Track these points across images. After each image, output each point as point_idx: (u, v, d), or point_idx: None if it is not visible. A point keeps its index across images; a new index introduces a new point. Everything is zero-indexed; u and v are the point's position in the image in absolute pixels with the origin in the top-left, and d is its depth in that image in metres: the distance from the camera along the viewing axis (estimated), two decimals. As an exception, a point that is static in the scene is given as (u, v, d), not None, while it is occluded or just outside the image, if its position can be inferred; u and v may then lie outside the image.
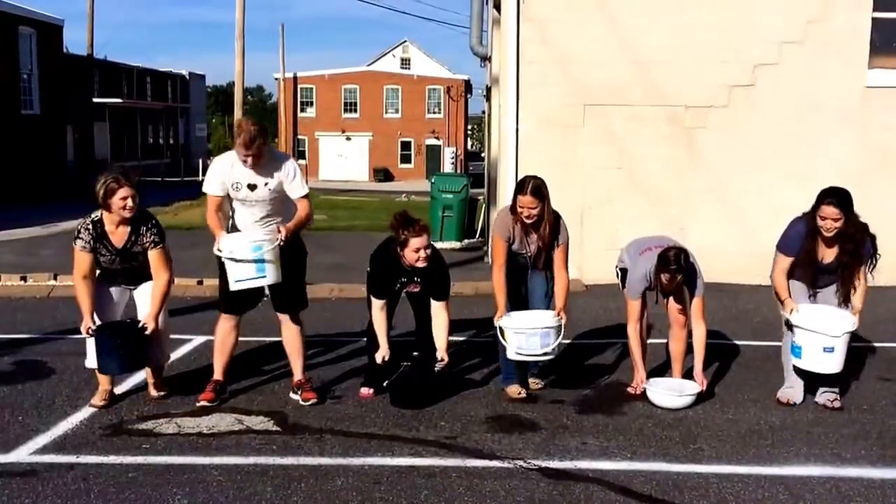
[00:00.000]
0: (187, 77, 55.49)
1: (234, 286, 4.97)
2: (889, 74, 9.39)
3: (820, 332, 4.92)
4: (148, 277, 5.06)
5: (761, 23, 9.22)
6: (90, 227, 4.93)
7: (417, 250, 4.96)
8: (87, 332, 4.87)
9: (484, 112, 13.48)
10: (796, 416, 5.02)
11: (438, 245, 14.10)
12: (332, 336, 6.91)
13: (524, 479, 4.05)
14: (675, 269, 5.02)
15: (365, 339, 5.56)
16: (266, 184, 4.97)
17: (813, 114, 9.34)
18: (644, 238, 5.58)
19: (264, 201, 5.01)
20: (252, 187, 4.96)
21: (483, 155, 17.38)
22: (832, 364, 5.00)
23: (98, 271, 5.02)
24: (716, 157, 9.45)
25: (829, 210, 4.84)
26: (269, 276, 4.93)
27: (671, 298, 5.34)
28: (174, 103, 53.18)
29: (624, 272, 5.50)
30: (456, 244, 13.61)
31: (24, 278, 9.50)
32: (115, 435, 4.58)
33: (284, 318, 5.22)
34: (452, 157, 47.21)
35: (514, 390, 5.27)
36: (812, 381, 5.20)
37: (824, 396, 5.16)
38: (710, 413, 5.05)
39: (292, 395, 5.21)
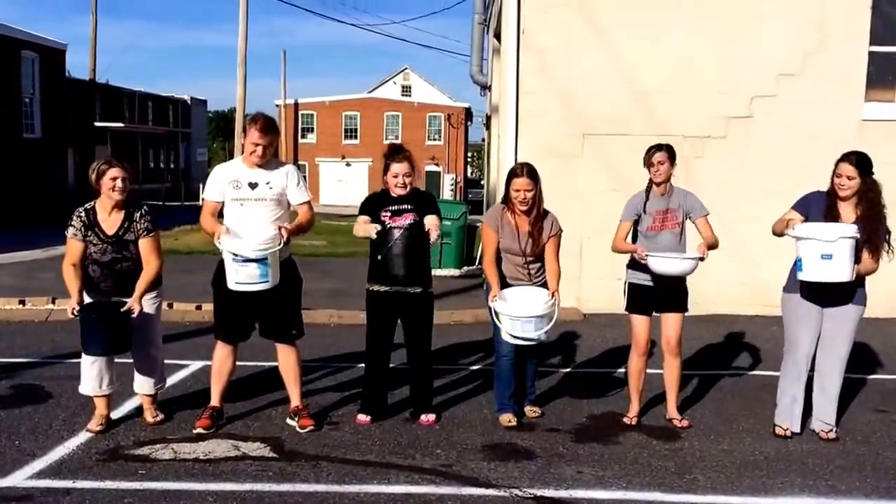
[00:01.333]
0: (189, 102, 55.86)
1: (232, 286, 4.87)
2: (885, 108, 9.49)
3: (815, 237, 4.79)
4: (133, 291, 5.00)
5: (759, 55, 9.33)
6: (82, 214, 4.95)
7: (396, 175, 5.17)
8: (73, 313, 4.82)
9: (484, 140, 13.59)
10: (791, 446, 5.02)
11: (437, 272, 14.16)
12: (330, 362, 6.91)
13: (520, 508, 4.05)
14: (662, 149, 5.35)
15: (363, 364, 5.57)
16: (268, 182, 4.93)
17: (810, 145, 9.41)
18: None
19: (263, 201, 4.92)
20: (253, 185, 4.91)
21: (482, 182, 17.50)
22: (833, 272, 4.77)
23: (86, 287, 4.96)
24: (713, 187, 9.46)
25: (846, 167, 4.90)
26: (270, 279, 4.83)
27: (666, 324, 5.33)
28: (175, 128, 53.47)
29: (628, 287, 5.47)
30: (455, 271, 13.63)
31: (22, 302, 9.51)
32: (112, 460, 4.57)
33: (281, 345, 5.22)
34: (452, 184, 47.40)
35: (506, 419, 5.29)
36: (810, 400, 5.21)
37: (818, 424, 5.17)
38: (706, 443, 5.05)
39: (289, 422, 5.21)
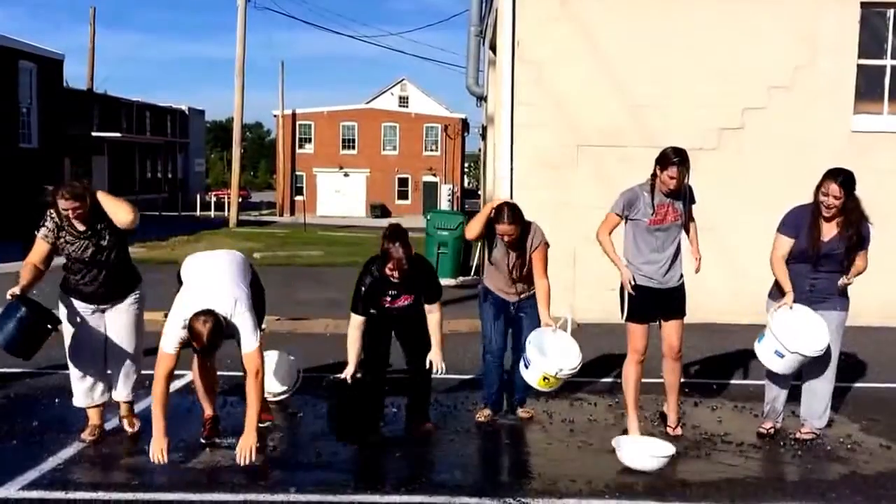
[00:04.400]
0: (187, 112, 55.96)
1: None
2: (874, 119, 9.59)
3: (778, 338, 5.00)
4: (120, 293, 5.00)
5: (750, 68, 9.42)
6: (55, 214, 4.81)
7: (394, 269, 5.00)
8: (10, 296, 4.71)
9: (480, 150, 13.65)
10: (783, 455, 5.06)
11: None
12: (326, 371, 6.93)
13: (512, 518, 4.08)
14: (678, 161, 5.02)
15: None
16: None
17: (800, 157, 9.49)
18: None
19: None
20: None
21: (479, 192, 17.57)
22: (775, 365, 5.11)
23: (72, 294, 4.94)
24: (705, 199, 9.46)
25: (833, 188, 4.94)
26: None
27: (668, 330, 5.35)
28: (173, 138, 53.55)
29: (628, 295, 5.44)
30: (451, 281, 13.66)
31: (18, 312, 9.51)
32: (105, 470, 4.59)
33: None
34: (449, 195, 47.48)
35: (482, 414, 5.52)
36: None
37: (806, 424, 5.27)
38: (698, 452, 5.08)
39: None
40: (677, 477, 4.66)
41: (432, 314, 5.23)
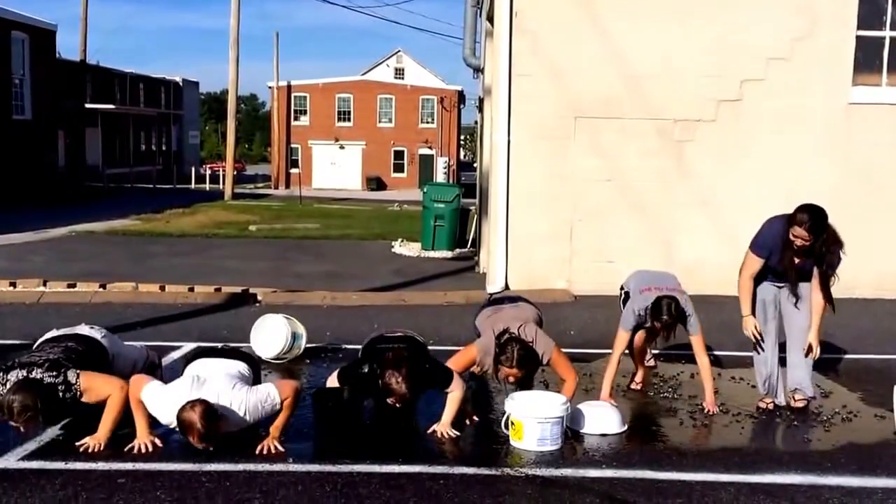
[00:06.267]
0: (181, 84, 55.52)
1: None
2: (872, 91, 9.55)
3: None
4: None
5: (749, 39, 9.37)
6: None
7: (394, 402, 4.58)
8: None
9: (476, 122, 13.57)
10: (779, 425, 5.10)
11: (430, 254, 14.22)
12: (323, 342, 6.95)
13: (511, 486, 4.11)
14: (667, 320, 5.14)
15: (359, 346, 5.59)
16: None
17: (798, 129, 9.48)
18: (649, 274, 5.68)
19: None
20: None
21: (475, 165, 17.51)
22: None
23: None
24: (703, 170, 9.56)
25: (800, 231, 4.98)
26: None
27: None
28: (167, 110, 53.17)
29: (626, 296, 5.59)
30: (447, 253, 13.68)
31: (13, 284, 9.51)
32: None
33: None
34: (445, 167, 47.34)
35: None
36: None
37: (796, 393, 5.33)
38: (695, 422, 5.12)
39: None
40: (673, 446, 4.69)
41: (451, 393, 4.79)
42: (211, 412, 4.24)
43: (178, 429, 4.32)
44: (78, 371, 4.48)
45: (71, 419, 4.71)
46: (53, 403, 4.34)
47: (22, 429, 4.32)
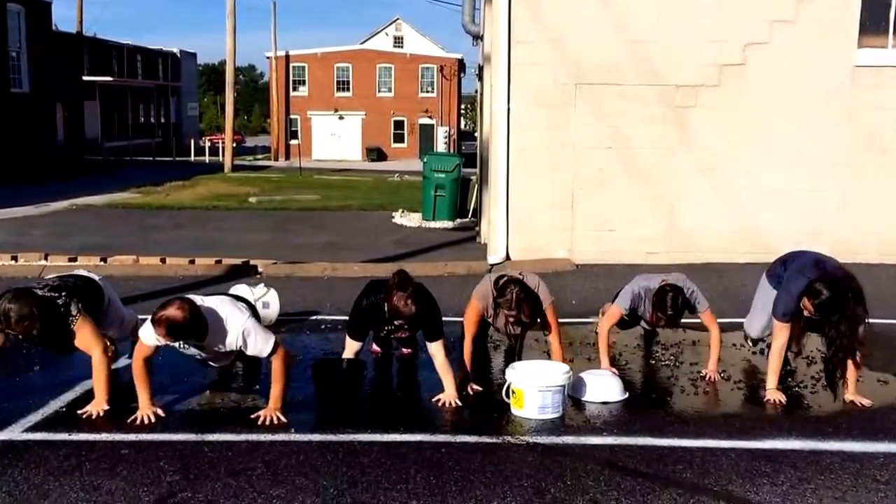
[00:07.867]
0: (178, 55, 55.09)
1: None
2: (878, 54, 9.43)
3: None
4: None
5: (752, 2, 9.22)
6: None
7: (401, 324, 4.66)
8: None
9: (477, 91, 13.45)
10: (780, 391, 5.09)
11: (431, 224, 14.18)
12: (324, 312, 6.95)
13: (512, 454, 4.12)
14: (671, 315, 5.02)
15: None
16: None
17: (802, 93, 9.37)
18: (652, 275, 5.50)
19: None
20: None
21: (476, 134, 17.39)
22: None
23: None
24: (706, 137, 9.48)
25: (808, 304, 4.71)
26: None
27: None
28: (165, 82, 52.83)
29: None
30: (448, 223, 13.65)
31: (14, 258, 9.51)
32: (108, 413, 4.61)
33: None
34: (445, 137, 47.09)
35: None
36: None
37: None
38: (695, 389, 5.12)
39: None
40: (674, 413, 4.70)
41: (435, 358, 4.77)
42: (193, 310, 4.20)
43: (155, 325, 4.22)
44: (80, 307, 4.53)
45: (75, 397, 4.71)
46: (50, 319, 4.37)
47: (21, 337, 4.34)
